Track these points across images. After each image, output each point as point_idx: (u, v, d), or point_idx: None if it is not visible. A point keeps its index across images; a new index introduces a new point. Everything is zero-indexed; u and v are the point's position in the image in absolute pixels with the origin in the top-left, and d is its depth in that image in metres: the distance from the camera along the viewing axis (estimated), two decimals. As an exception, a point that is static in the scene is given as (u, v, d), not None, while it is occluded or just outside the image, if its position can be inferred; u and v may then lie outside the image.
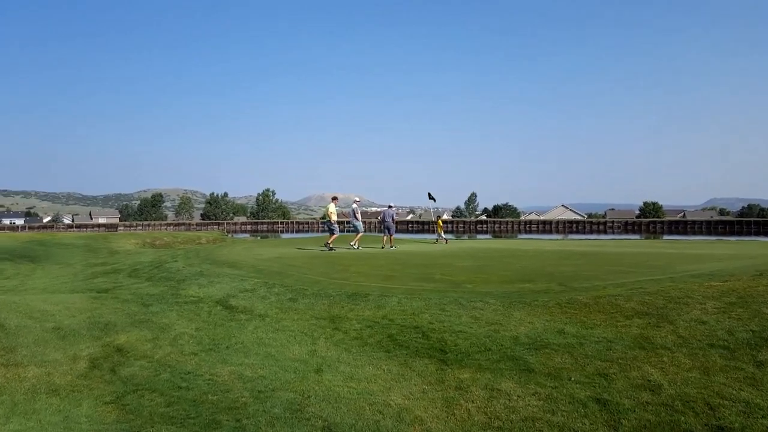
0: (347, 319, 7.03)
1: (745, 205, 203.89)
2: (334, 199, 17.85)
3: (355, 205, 18.55)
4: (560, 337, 6.01)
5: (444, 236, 23.34)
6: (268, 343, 6.29)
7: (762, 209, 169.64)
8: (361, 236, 18.00)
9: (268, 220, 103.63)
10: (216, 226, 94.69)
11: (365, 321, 6.91)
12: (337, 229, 17.39)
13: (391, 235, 19.10)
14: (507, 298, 7.79)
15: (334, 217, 17.60)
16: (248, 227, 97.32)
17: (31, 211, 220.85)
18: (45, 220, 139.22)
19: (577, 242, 23.86)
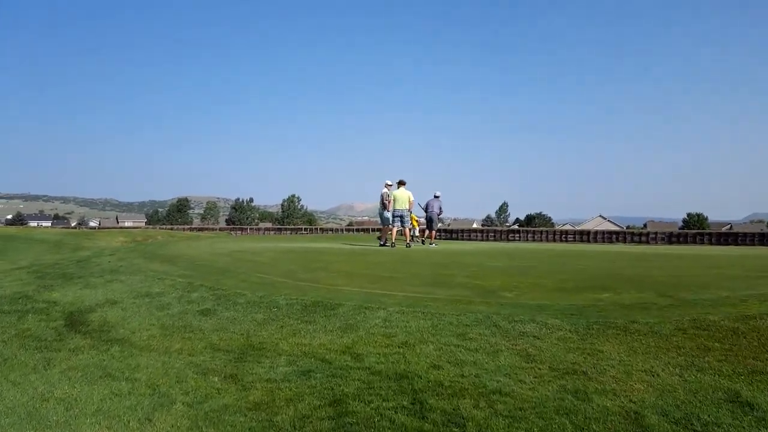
0: (271, 354, 3.65)
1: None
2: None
3: (385, 190, 14.46)
4: (738, 418, 2.54)
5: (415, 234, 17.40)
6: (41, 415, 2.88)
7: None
8: (388, 230, 14.73)
9: (292, 226, 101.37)
10: (239, 231, 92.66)
11: (304, 360, 3.52)
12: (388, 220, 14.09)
13: (432, 230, 16.08)
14: (579, 317, 4.38)
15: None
16: (272, 233, 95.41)
17: (67, 215, 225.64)
18: (72, 224, 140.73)
19: (635, 247, 19.99)
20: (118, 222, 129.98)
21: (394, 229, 13.68)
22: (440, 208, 16.15)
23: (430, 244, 15.15)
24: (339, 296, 5.45)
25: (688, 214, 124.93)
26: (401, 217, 13.78)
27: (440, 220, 17.07)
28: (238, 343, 3.88)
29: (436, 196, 16.42)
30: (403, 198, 13.91)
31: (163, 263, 8.00)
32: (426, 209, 16.14)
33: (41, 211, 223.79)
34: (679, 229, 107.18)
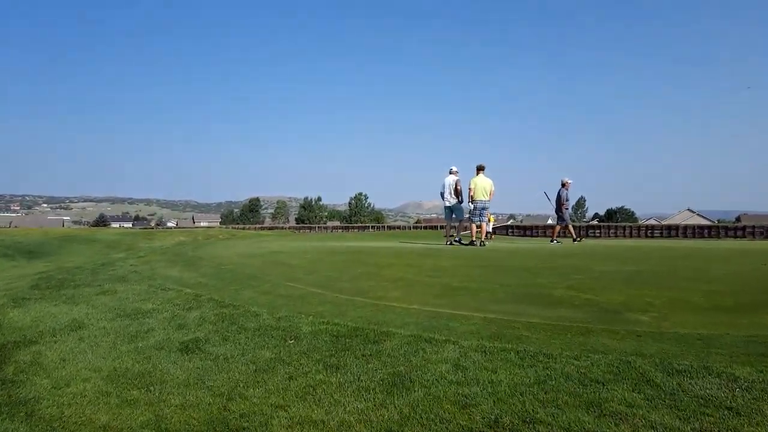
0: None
1: None
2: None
3: (454, 177, 12.23)
4: None
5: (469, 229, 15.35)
6: None
7: None
8: (466, 226, 12.90)
9: (359, 224, 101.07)
10: (308, 230, 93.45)
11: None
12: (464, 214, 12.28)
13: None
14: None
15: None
16: (339, 231, 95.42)
17: (149, 216, 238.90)
18: (152, 224, 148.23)
19: (748, 242, 16.92)
20: (194, 222, 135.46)
21: (474, 225, 11.72)
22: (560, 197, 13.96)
23: (481, 244, 12.86)
24: (389, 318, 3.79)
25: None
26: (482, 209, 11.69)
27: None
28: (205, 417, 2.30)
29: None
30: (484, 186, 11.67)
31: (185, 268, 6.68)
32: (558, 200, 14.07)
33: (126, 213, 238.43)
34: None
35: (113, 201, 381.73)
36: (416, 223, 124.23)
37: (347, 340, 3.27)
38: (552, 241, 13.80)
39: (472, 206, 11.77)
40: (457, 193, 12.06)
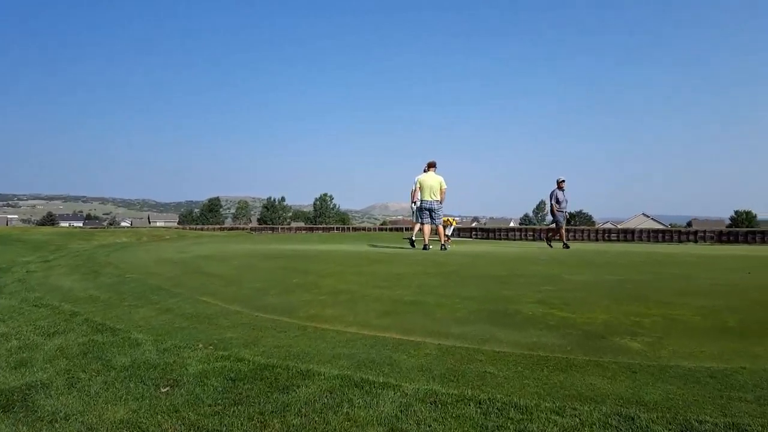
0: None
1: None
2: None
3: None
4: None
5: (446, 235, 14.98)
6: None
7: None
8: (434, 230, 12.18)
9: (324, 225, 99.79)
10: (270, 231, 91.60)
11: None
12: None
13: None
14: None
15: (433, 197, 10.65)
16: (304, 231, 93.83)
17: (105, 215, 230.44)
18: (104, 224, 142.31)
19: (721, 247, 16.71)
20: (149, 222, 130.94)
21: (425, 227, 10.62)
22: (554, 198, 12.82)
23: (441, 247, 12.14)
24: (315, 348, 2.88)
25: (736, 212, 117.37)
26: (430, 210, 10.68)
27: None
28: None
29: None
30: (432, 185, 10.65)
31: (84, 276, 5.61)
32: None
33: (79, 212, 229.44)
34: (727, 227, 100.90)
35: (66, 199, 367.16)
36: (382, 224, 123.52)
37: (246, 387, 2.33)
38: (549, 245, 12.69)
39: (415, 207, 10.93)
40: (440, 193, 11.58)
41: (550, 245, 12.66)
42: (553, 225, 13.32)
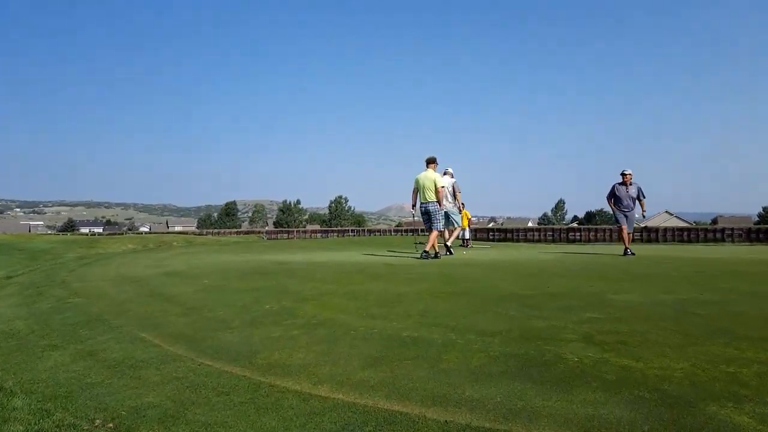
0: None
1: None
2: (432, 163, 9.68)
3: (447, 180, 11.00)
4: None
5: (466, 237, 14.72)
6: None
7: None
8: (449, 233, 11.27)
9: (339, 228, 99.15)
10: (285, 234, 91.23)
11: None
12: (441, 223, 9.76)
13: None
14: None
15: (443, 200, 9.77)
16: (319, 235, 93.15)
17: (127, 220, 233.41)
18: (123, 229, 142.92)
19: (758, 248, 15.29)
20: (168, 227, 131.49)
21: (433, 234, 9.48)
22: (453, 193, 11.30)
23: (459, 251, 11.11)
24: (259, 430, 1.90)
25: (764, 208, 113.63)
26: (427, 213, 9.54)
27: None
28: None
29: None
30: (426, 185, 9.44)
31: (22, 299, 4.78)
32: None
33: (102, 217, 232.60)
34: (755, 224, 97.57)
35: (89, 205, 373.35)
36: (397, 226, 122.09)
37: None
38: (625, 253, 10.16)
39: (414, 211, 9.90)
40: (455, 196, 11.28)
41: (625, 252, 10.19)
42: (616, 226, 11.37)
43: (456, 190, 11.30)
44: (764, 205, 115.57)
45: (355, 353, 2.85)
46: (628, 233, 10.28)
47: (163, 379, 2.56)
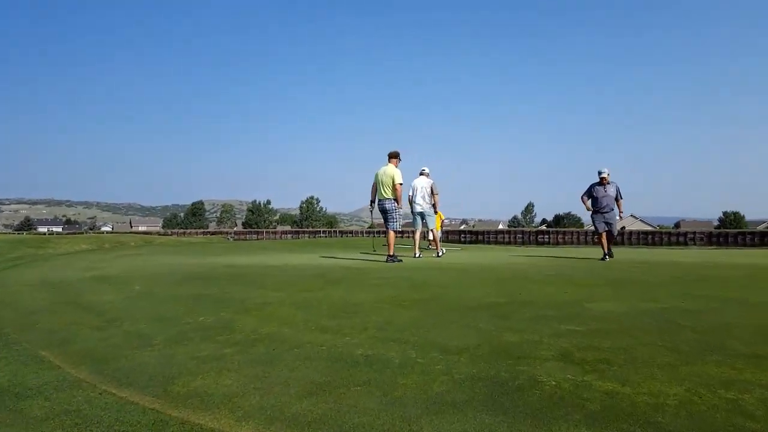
0: None
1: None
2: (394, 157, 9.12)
3: (424, 180, 10.65)
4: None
5: (433, 239, 11.75)
6: None
7: None
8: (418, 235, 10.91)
9: (311, 229, 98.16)
10: (255, 235, 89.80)
11: None
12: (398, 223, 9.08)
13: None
14: None
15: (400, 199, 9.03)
16: (289, 236, 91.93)
17: (89, 219, 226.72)
18: (84, 228, 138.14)
19: (740, 252, 15.34)
20: (131, 226, 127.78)
21: (390, 234, 8.92)
22: (429, 194, 10.63)
23: (437, 255, 10.64)
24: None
25: (724, 213, 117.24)
26: (384, 211, 8.96)
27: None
28: None
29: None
30: (384, 180, 8.86)
31: None
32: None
33: (63, 216, 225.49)
34: (716, 228, 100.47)
35: (50, 203, 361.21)
36: (370, 227, 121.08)
37: None
38: (603, 257, 9.81)
39: (371, 208, 9.34)
40: (433, 197, 10.69)
41: (604, 256, 9.74)
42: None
43: (434, 190, 10.72)
44: (724, 210, 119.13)
45: (294, 378, 2.39)
46: (608, 234, 9.78)
47: (49, 414, 2.05)
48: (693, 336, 3.01)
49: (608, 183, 9.82)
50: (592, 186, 9.93)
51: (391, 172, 8.87)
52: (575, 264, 8.44)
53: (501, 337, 3.03)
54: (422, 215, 10.57)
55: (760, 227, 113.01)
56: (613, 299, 4.27)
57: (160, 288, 5.05)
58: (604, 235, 9.81)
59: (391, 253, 8.68)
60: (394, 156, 9.07)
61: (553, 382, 2.30)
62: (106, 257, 11.11)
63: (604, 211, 9.81)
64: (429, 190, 10.65)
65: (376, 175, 9.02)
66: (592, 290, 4.87)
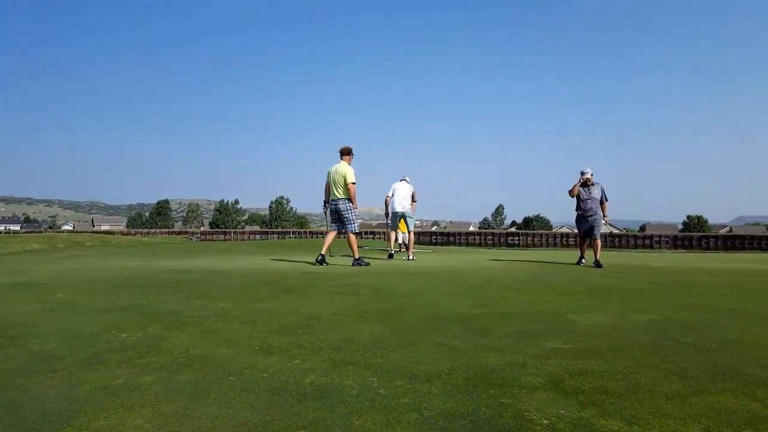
0: None
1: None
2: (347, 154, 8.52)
3: (405, 185, 10.60)
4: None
5: (408, 242, 10.71)
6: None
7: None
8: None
9: (280, 229, 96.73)
10: (222, 235, 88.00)
11: None
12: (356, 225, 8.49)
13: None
14: None
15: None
16: (257, 236, 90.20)
17: (50, 218, 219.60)
18: (44, 227, 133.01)
19: (717, 256, 15.31)
20: (93, 225, 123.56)
21: (351, 237, 8.38)
22: (409, 199, 10.58)
23: (409, 258, 10.18)
24: None
25: (688, 217, 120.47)
26: (337, 212, 8.33)
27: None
28: None
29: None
30: (336, 179, 8.26)
31: None
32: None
33: (23, 214, 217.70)
34: (680, 231, 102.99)
35: (8, 201, 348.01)
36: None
37: None
38: (580, 262, 9.19)
39: (325, 209, 8.74)
40: (413, 200, 10.56)
41: (580, 260, 9.22)
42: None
43: (414, 198, 10.59)
44: (688, 213, 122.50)
45: (224, 417, 1.89)
46: (594, 240, 8.94)
47: None
48: (697, 356, 2.62)
49: (592, 184, 9.12)
50: (578, 189, 9.19)
51: (343, 170, 8.26)
52: (551, 269, 8.09)
53: (479, 358, 2.58)
54: (404, 216, 10.42)
55: (722, 231, 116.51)
56: (599, 310, 3.88)
57: (87, 297, 4.41)
58: (585, 239, 9.19)
59: (356, 256, 8.16)
60: (346, 153, 8.45)
61: (545, 421, 1.87)
62: (45, 259, 10.28)
63: (588, 214, 9.05)
64: (410, 194, 10.49)
65: (329, 174, 8.42)
66: (574, 299, 4.48)
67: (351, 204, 8.31)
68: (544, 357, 2.60)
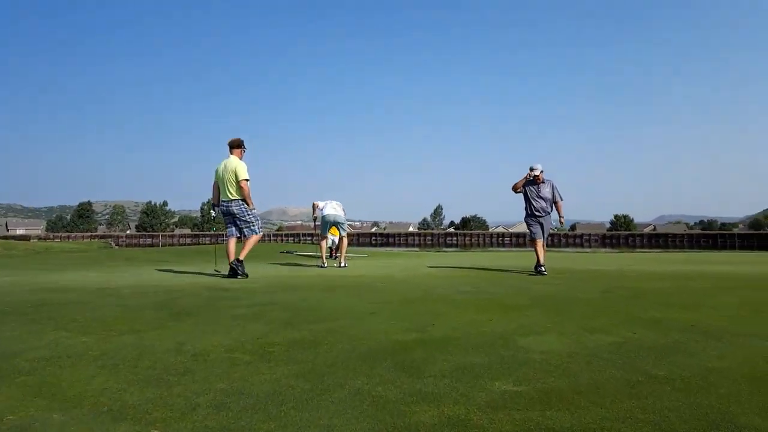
0: None
1: (703, 220, 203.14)
2: None
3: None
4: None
5: (342, 247, 9.91)
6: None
7: (723, 224, 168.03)
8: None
9: (212, 232, 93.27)
10: (149, 239, 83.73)
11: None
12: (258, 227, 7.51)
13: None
14: None
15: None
16: (188, 240, 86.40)
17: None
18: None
19: (659, 257, 15.50)
20: (8, 229, 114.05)
21: (251, 239, 7.45)
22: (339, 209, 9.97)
23: (341, 265, 9.58)
24: None
25: (615, 216, 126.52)
26: (231, 215, 7.38)
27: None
28: None
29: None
30: (227, 177, 7.35)
31: None
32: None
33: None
34: (608, 230, 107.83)
35: None
36: (278, 230, 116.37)
37: None
38: (537, 270, 8.00)
39: (214, 212, 7.84)
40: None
41: (537, 269, 8.03)
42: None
43: (344, 211, 10.06)
44: (615, 213, 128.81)
45: None
46: (542, 243, 8.25)
47: None
48: (679, 398, 2.09)
49: (542, 182, 8.37)
50: (527, 187, 8.46)
51: (233, 165, 7.28)
52: (492, 276, 7.61)
53: (409, 414, 1.93)
54: (336, 223, 9.77)
55: (647, 230, 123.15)
56: (551, 330, 3.33)
57: None
58: (539, 242, 8.27)
59: (241, 258, 7.22)
60: (236, 145, 7.47)
61: None
62: None
63: (539, 214, 8.33)
64: (341, 206, 9.90)
65: (217, 172, 7.44)
66: (521, 315, 3.92)
67: (246, 204, 7.36)
68: (493, 408, 1.99)
